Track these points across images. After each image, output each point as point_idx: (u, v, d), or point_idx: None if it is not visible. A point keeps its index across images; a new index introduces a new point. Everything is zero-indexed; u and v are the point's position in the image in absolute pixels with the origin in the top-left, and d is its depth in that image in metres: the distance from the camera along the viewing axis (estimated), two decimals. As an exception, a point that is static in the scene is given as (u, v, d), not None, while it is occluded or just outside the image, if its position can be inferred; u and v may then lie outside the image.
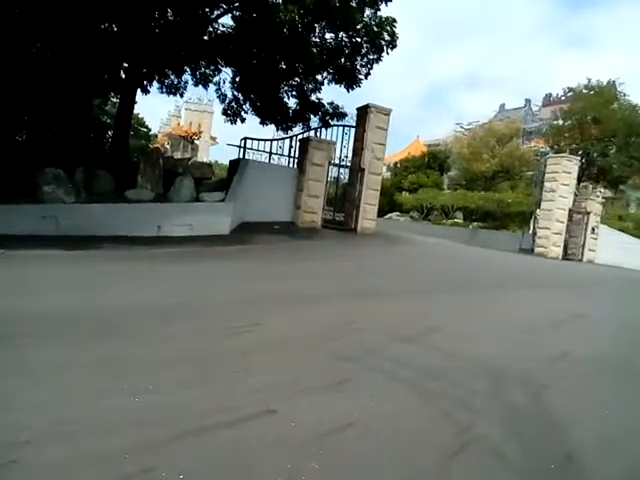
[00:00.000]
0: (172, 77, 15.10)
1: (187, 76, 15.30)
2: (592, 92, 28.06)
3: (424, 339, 4.69)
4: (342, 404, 3.02)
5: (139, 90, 14.48)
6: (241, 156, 14.00)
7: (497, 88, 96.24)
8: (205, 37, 13.76)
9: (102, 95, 18.07)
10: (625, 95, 27.77)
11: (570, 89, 30.17)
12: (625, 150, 26.62)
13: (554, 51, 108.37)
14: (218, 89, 15.37)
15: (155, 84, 15.03)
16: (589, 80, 28.57)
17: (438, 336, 4.86)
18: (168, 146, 30.03)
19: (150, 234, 10.19)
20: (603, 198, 20.67)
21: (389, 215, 28.58)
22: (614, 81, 27.97)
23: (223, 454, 2.32)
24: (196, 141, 33.13)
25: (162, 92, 15.38)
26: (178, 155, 22.65)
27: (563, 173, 18.04)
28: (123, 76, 14.21)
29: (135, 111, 20.14)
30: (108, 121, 20.15)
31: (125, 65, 13.83)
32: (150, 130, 37.24)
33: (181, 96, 16.04)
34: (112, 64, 13.50)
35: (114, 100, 19.08)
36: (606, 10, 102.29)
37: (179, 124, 37.88)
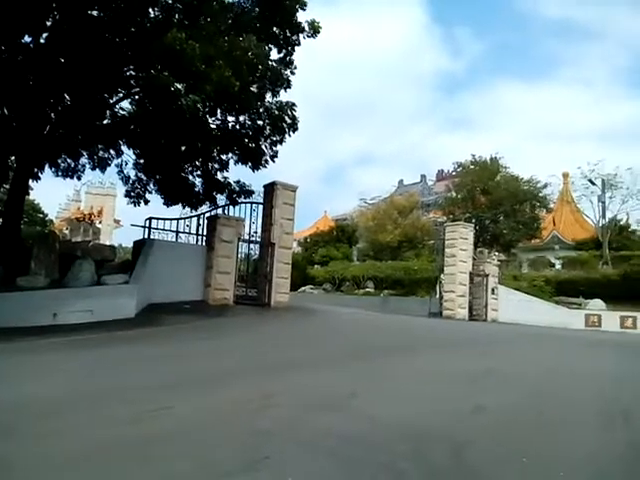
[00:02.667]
0: (68, 161, 14.62)
1: (85, 159, 14.89)
2: (477, 167, 31.02)
3: (343, 406, 4.60)
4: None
5: (30, 178, 13.85)
6: (146, 236, 13.61)
7: (393, 165, 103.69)
8: (105, 121, 13.63)
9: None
10: (506, 168, 30.97)
11: (459, 165, 33.15)
12: (513, 216, 29.28)
13: (439, 130, 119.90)
14: (120, 171, 15.05)
15: (47, 169, 14.40)
16: (474, 156, 31.67)
17: (356, 402, 4.79)
18: (67, 231, 28.56)
19: (46, 323, 9.36)
20: (498, 261, 22.39)
21: (302, 288, 28.68)
22: (495, 157, 31.19)
23: None
24: (97, 224, 31.85)
25: (57, 175, 14.75)
26: (79, 239, 21.56)
27: (460, 239, 19.40)
28: (14, 162, 13.56)
29: (31, 197, 19.17)
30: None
31: (16, 152, 13.24)
32: (47, 216, 35.40)
33: (78, 179, 15.46)
34: (2, 150, 12.90)
35: (6, 186, 18.07)
36: (480, 91, 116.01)
37: (79, 209, 36.38)
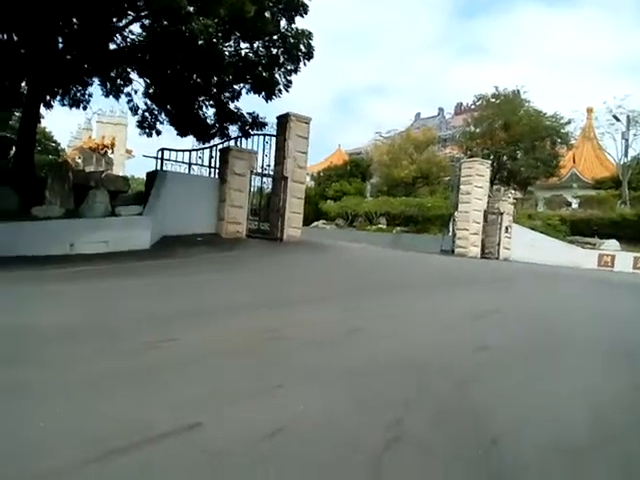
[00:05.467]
0: (75, 89, 14.29)
1: (94, 88, 14.53)
2: (499, 100, 29.80)
3: (348, 341, 4.68)
4: (270, 413, 2.91)
5: (42, 105, 13.62)
6: (159, 168, 13.52)
7: (409, 97, 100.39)
8: (113, 46, 13.18)
9: (3, 109, 16.87)
10: (529, 102, 29.74)
11: (479, 97, 31.88)
12: (532, 153, 28.49)
13: (456, 59, 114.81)
14: (130, 100, 14.75)
15: (57, 97, 14.12)
16: (497, 88, 30.31)
17: (363, 336, 4.88)
18: (79, 160, 28.45)
19: (62, 252, 9.52)
20: (514, 199, 22.02)
21: (315, 223, 28.79)
22: (518, 90, 29.88)
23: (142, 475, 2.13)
24: (110, 154, 31.64)
25: (63, 105, 14.50)
26: (91, 169, 21.52)
27: (477, 176, 19.03)
28: (25, 89, 13.29)
29: (42, 125, 19.00)
30: (12, 136, 18.79)
31: (26, 78, 12.94)
32: (59, 144, 35.26)
33: (84, 109, 15.13)
34: (12, 76, 12.62)
35: (18, 114, 17.87)
36: (499, 16, 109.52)
37: (91, 137, 36.04)
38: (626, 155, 29.62)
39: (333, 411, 2.99)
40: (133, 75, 14.16)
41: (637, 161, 30.74)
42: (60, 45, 12.50)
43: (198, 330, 4.71)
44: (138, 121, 14.91)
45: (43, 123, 20.97)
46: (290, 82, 13.96)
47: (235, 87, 14.21)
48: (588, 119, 35.63)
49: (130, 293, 6.73)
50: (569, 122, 29.64)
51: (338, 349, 4.38)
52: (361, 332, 5.03)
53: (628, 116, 28.97)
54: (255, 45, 13.42)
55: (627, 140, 29.31)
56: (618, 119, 29.22)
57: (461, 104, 50.56)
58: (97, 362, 3.60)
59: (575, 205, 31.06)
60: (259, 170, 14.63)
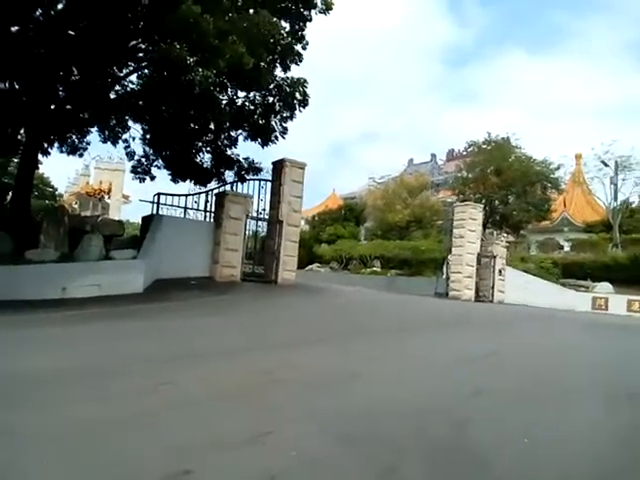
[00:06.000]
0: (74, 137, 14.58)
1: (92, 135, 14.84)
2: (491, 146, 30.54)
3: (344, 385, 4.64)
4: (263, 459, 2.87)
5: (40, 152, 13.86)
6: (155, 212, 13.64)
7: (401, 143, 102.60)
8: (113, 95, 13.57)
9: (2, 155, 17.12)
10: (520, 148, 30.48)
11: (471, 144, 32.64)
12: (523, 197, 28.97)
13: (447, 106, 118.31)
14: (127, 146, 15.05)
15: (55, 145, 14.39)
16: (489, 134, 31.11)
17: (359, 381, 4.83)
18: (76, 205, 28.68)
19: (54, 296, 9.47)
20: (507, 242, 22.26)
21: (309, 266, 28.78)
22: (509, 137, 30.68)
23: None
24: (107, 199, 31.93)
25: (62, 152, 14.74)
26: (87, 214, 21.68)
27: (470, 220, 19.27)
28: (24, 136, 13.55)
29: (40, 171, 19.25)
30: (10, 182, 19.01)
31: (26, 125, 13.23)
32: (56, 190, 35.53)
33: (80, 156, 15.47)
34: (12, 124, 12.90)
35: (17, 160, 18.12)
36: (488, 65, 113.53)
37: (88, 183, 36.42)
38: (615, 199, 30.18)
39: (327, 456, 2.95)
40: (131, 122, 14.49)
41: (626, 205, 31.32)
42: (61, 93, 12.85)
43: (192, 374, 4.66)
44: (133, 166, 15.15)
45: (41, 169, 21.22)
46: (286, 129, 14.31)
47: (232, 134, 14.54)
48: (577, 164, 36.50)
49: (123, 337, 6.67)
50: (559, 167, 30.34)
51: (334, 393, 4.33)
52: (357, 376, 4.98)
53: (616, 161, 29.70)
54: (251, 94, 13.84)
55: (616, 185, 29.93)
56: (607, 164, 29.95)
57: (453, 150, 51.76)
58: (90, 407, 3.55)
59: (567, 248, 31.38)
60: (254, 214, 14.79)
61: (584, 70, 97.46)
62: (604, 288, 20.22)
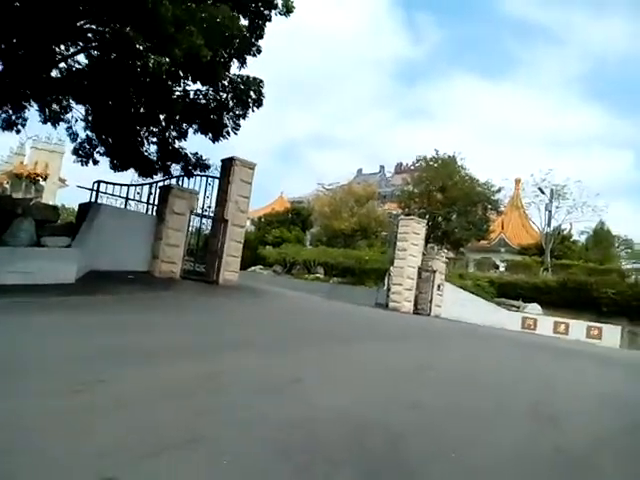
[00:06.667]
0: (10, 112, 13.65)
1: (32, 112, 13.90)
2: (438, 164, 31.41)
3: (282, 391, 4.52)
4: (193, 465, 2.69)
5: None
6: (93, 200, 12.98)
7: (350, 151, 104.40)
8: (56, 73, 12.83)
9: None
10: (465, 168, 31.55)
11: (419, 159, 33.47)
12: (465, 216, 29.98)
13: (396, 119, 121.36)
14: (69, 127, 14.24)
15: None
16: (437, 152, 31.98)
17: (296, 388, 4.73)
18: (7, 186, 26.94)
19: (-24, 282, 8.75)
20: (447, 258, 22.89)
21: (253, 268, 28.45)
22: (454, 156, 31.66)
23: None
24: (42, 182, 30.16)
25: (-4, 126, 13.77)
26: (19, 196, 20.40)
27: (413, 234, 19.66)
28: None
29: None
30: None
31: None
32: (-14, 167, 33.30)
33: (17, 133, 14.45)
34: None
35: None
36: (438, 83, 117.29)
37: (22, 163, 34.30)
38: (549, 225, 31.92)
39: (260, 465, 2.83)
40: (74, 104, 13.73)
41: (559, 231, 33.13)
42: (-1, 66, 12.01)
43: (123, 373, 4.38)
44: (75, 148, 14.36)
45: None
46: (238, 125, 14.00)
47: (182, 126, 14.10)
48: (516, 189, 38.34)
49: (51, 330, 6.20)
50: (499, 190, 31.69)
51: (272, 399, 4.20)
52: (298, 382, 4.90)
53: (552, 189, 31.42)
54: (205, 88, 13.47)
55: (550, 212, 31.66)
56: (543, 192, 31.59)
57: (401, 164, 53.02)
58: (8, 406, 3.23)
59: (502, 268, 32.74)
60: (199, 211, 14.40)
61: (531, 98, 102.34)
62: (534, 309, 21.21)
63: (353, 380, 5.54)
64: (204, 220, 14.74)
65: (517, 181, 37.83)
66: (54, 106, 13.80)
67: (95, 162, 14.36)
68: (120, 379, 4.19)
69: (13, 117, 13.77)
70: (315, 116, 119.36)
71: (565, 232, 34.52)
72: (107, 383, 4.02)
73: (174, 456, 2.79)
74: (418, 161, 34.03)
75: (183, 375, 4.61)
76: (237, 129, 13.98)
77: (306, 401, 4.29)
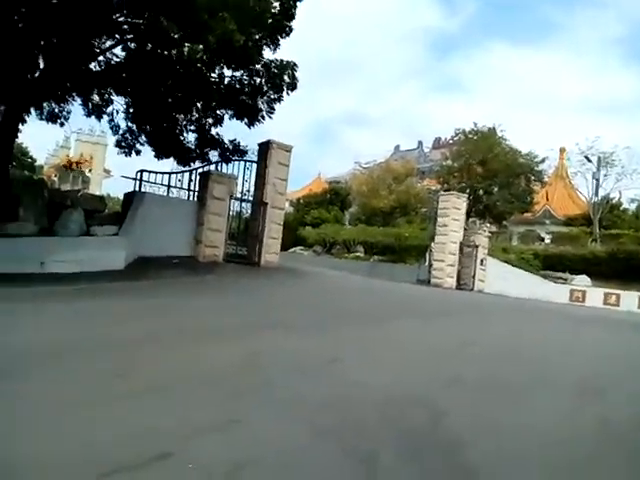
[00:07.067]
0: (54, 105, 14.16)
1: (76, 106, 14.44)
2: (477, 136, 30.58)
3: (324, 370, 4.63)
4: (236, 443, 2.84)
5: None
6: (137, 189, 13.40)
7: (386, 128, 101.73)
8: (96, 67, 13.21)
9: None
10: (505, 140, 30.58)
11: (458, 132, 32.65)
12: (507, 189, 29.17)
13: (432, 92, 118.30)
14: (111, 120, 14.71)
15: (33, 112, 13.96)
16: (475, 124, 31.12)
17: (339, 366, 4.83)
18: (56, 178, 28.05)
19: (33, 271, 9.27)
20: (489, 232, 22.42)
21: (293, 249, 28.73)
22: (494, 127, 30.72)
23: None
24: (88, 173, 31.26)
25: (41, 119, 14.36)
26: (67, 188, 21.23)
27: (453, 209, 19.36)
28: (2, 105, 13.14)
29: (19, 140, 18.71)
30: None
31: (5, 93, 12.80)
32: (35, 161, 34.73)
33: (61, 125, 15.01)
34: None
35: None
36: (475, 54, 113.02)
37: (68, 156, 35.59)
38: (597, 194, 30.65)
39: (303, 445, 2.93)
40: (114, 96, 14.13)
41: (607, 200, 31.78)
42: (41, 63, 12.45)
43: (173, 354, 4.63)
44: (117, 140, 14.87)
45: (20, 138, 20.66)
46: (273, 109, 14.11)
47: (218, 113, 14.30)
48: (561, 158, 36.92)
49: (105, 315, 6.56)
50: (543, 161, 30.59)
51: (314, 379, 4.32)
52: (338, 362, 4.98)
53: (599, 157, 30.07)
54: (238, 73, 13.57)
55: (598, 180, 30.36)
56: (590, 160, 30.30)
57: (439, 138, 51.77)
58: (74, 385, 3.50)
59: (548, 240, 31.81)
60: (238, 195, 14.64)
61: (572, 64, 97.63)
62: (582, 281, 20.57)
63: (394, 358, 5.61)
64: (244, 204, 14.99)
65: (562, 150, 36.41)
66: (96, 99, 14.26)
67: (137, 152, 14.82)
68: (167, 360, 4.42)
69: (57, 110, 14.32)
70: (349, 94, 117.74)
71: (614, 201, 33.03)
72: (152, 364, 4.26)
73: (215, 437, 2.90)
74: (457, 135, 33.22)
75: (224, 356, 4.80)
76: (272, 113, 14.08)
77: (346, 380, 4.35)
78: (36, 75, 12.22)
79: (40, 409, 3.09)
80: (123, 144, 14.73)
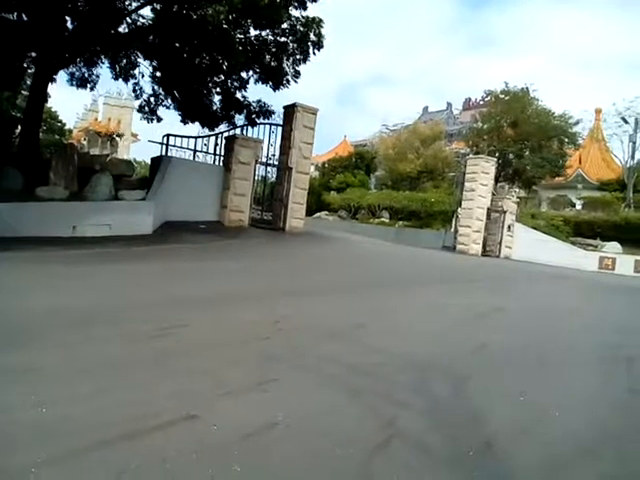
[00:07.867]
0: (83, 69, 14.24)
1: (103, 69, 14.54)
2: (508, 97, 29.51)
3: (350, 336, 4.71)
4: (267, 405, 2.95)
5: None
6: (164, 153, 13.52)
7: (414, 88, 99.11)
8: (123, 29, 13.16)
9: (11, 88, 16.84)
10: (538, 100, 29.47)
11: (489, 93, 31.54)
12: (538, 152, 28.26)
13: (463, 51, 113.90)
14: (136, 83, 14.72)
15: (64, 75, 14.12)
16: (507, 84, 29.97)
17: (363, 332, 4.91)
18: (85, 142, 28.43)
19: (64, 234, 9.56)
20: (518, 198, 21.98)
21: (318, 214, 28.73)
22: (527, 88, 29.57)
23: (143, 463, 2.17)
24: (116, 138, 31.57)
25: (71, 84, 14.50)
26: (96, 152, 21.52)
27: (482, 173, 18.96)
28: (32, 67, 13.28)
29: (48, 104, 18.96)
30: (18, 115, 18.77)
31: (34, 55, 12.92)
32: (65, 125, 35.14)
33: (91, 90, 15.17)
34: (21, 56, 12.61)
35: (25, 93, 17.83)
36: (511, 9, 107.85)
37: (97, 119, 35.88)
38: (633, 158, 29.50)
39: (330, 407, 3.04)
40: (141, 59, 14.13)
41: (644, 164, 30.59)
42: (70, 25, 12.48)
43: (205, 317, 4.79)
44: (140, 105, 14.89)
45: (49, 102, 20.94)
46: (298, 72, 13.88)
47: (242, 75, 14.15)
48: (596, 120, 35.47)
49: (136, 278, 6.78)
50: (577, 122, 29.37)
51: (340, 344, 4.40)
52: (364, 328, 5.07)
53: (636, 119, 28.81)
54: (264, 33, 13.32)
55: (634, 143, 29.17)
56: (627, 121, 29.08)
57: (469, 99, 50.36)
58: (106, 347, 3.68)
59: (579, 206, 30.99)
60: (264, 159, 14.64)
61: (614, 18, 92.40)
62: (613, 248, 20.11)
63: (419, 324, 5.67)
64: (269, 168, 14.99)
65: (597, 111, 34.96)
66: (124, 62, 14.26)
67: (159, 119, 14.83)
68: (198, 324, 4.57)
69: (86, 74, 14.42)
70: (374, 54, 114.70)
71: (651, 164, 31.81)
72: (187, 327, 4.41)
73: (246, 398, 3.03)
74: (487, 95, 32.06)
75: (251, 320, 4.93)
76: (297, 77, 13.89)
77: (370, 346, 4.44)
78: (65, 37, 12.26)
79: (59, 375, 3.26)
80: (146, 109, 14.76)
